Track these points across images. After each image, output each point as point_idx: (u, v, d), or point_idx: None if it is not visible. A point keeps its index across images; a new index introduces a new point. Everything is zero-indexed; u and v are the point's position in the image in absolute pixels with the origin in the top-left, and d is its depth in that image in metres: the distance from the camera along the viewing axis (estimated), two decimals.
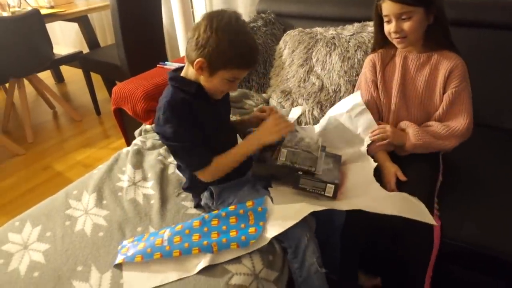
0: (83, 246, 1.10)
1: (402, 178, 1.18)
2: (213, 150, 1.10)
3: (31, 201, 1.35)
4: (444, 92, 1.21)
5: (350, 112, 1.32)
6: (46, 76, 3.68)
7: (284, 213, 1.04)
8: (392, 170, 1.20)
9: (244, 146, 1.10)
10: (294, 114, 1.59)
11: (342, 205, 1.03)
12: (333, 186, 1.05)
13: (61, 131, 2.91)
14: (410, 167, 1.22)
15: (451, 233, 1.14)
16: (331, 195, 1.06)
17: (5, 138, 2.65)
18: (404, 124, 1.25)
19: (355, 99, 1.32)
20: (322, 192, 1.07)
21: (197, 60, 0.99)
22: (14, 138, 2.74)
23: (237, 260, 1.01)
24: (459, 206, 1.19)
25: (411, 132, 1.21)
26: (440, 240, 1.12)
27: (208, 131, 1.09)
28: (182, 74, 1.10)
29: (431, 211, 1.13)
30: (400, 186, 1.17)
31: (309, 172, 1.08)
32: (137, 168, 1.42)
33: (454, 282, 1.24)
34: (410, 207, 1.04)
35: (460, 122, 1.18)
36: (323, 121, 1.46)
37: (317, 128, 1.48)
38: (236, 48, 0.98)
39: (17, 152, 2.59)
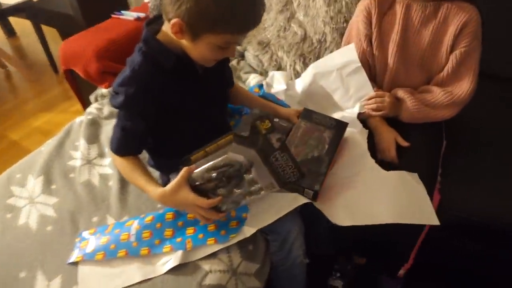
0: (27, 245, 0.93)
1: (404, 143, 1.05)
2: (192, 133, 0.92)
3: None
4: (451, 51, 1.03)
5: (341, 70, 1.14)
6: None
7: (270, 203, 0.87)
8: (391, 136, 1.06)
9: (151, 191, 0.83)
10: (277, 87, 1.32)
11: (338, 215, 0.86)
12: (311, 192, 0.87)
13: (15, 94, 2.61)
14: (410, 131, 1.08)
15: (453, 204, 1.02)
16: (310, 197, 0.88)
17: None
18: (400, 93, 1.09)
19: (349, 54, 1.13)
20: (302, 193, 0.90)
21: (172, 22, 0.73)
22: None
23: (211, 254, 0.87)
24: (462, 175, 1.07)
25: (409, 105, 1.06)
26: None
27: (184, 113, 0.89)
28: (162, 33, 0.82)
29: (434, 186, 1.00)
30: (400, 155, 1.04)
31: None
32: (92, 143, 1.22)
33: (439, 249, 1.14)
34: (410, 203, 0.89)
35: (464, 88, 1.03)
36: (306, 77, 1.26)
37: (299, 85, 1.28)
38: (224, 4, 0.70)
39: None
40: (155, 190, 0.82)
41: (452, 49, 1.03)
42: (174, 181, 0.78)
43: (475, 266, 1.11)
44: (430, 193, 0.97)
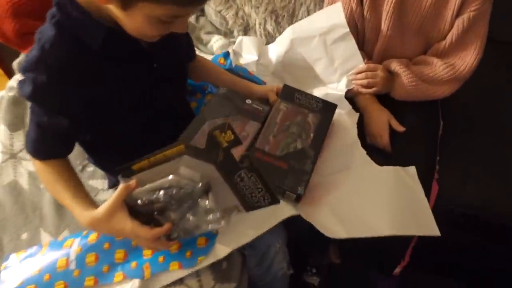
0: None
1: (399, 128, 0.94)
2: (141, 126, 0.72)
3: None
4: (457, 15, 0.87)
5: (325, 35, 0.96)
6: None
7: (246, 215, 0.71)
8: (384, 119, 0.94)
9: (78, 214, 0.62)
10: (246, 56, 1.09)
11: (331, 227, 0.71)
12: (294, 196, 0.73)
13: None
14: (404, 111, 0.95)
15: (452, 196, 0.93)
16: (292, 199, 0.74)
17: None
18: (394, 66, 0.95)
19: (335, 16, 0.94)
20: (282, 196, 0.74)
21: None
22: None
23: (177, 279, 0.70)
24: (461, 162, 0.98)
25: (404, 80, 0.93)
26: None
27: (126, 103, 0.67)
28: None
29: (432, 177, 0.89)
30: (394, 140, 0.92)
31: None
32: (15, 129, 0.99)
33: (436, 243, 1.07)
34: (409, 212, 0.76)
35: (468, 60, 0.90)
36: (282, 42, 1.06)
37: (273, 51, 1.08)
38: None
39: None
40: (83, 213, 0.61)
41: (458, 12, 0.87)
42: (108, 202, 0.58)
43: (473, 259, 1.06)
44: (428, 185, 0.87)
